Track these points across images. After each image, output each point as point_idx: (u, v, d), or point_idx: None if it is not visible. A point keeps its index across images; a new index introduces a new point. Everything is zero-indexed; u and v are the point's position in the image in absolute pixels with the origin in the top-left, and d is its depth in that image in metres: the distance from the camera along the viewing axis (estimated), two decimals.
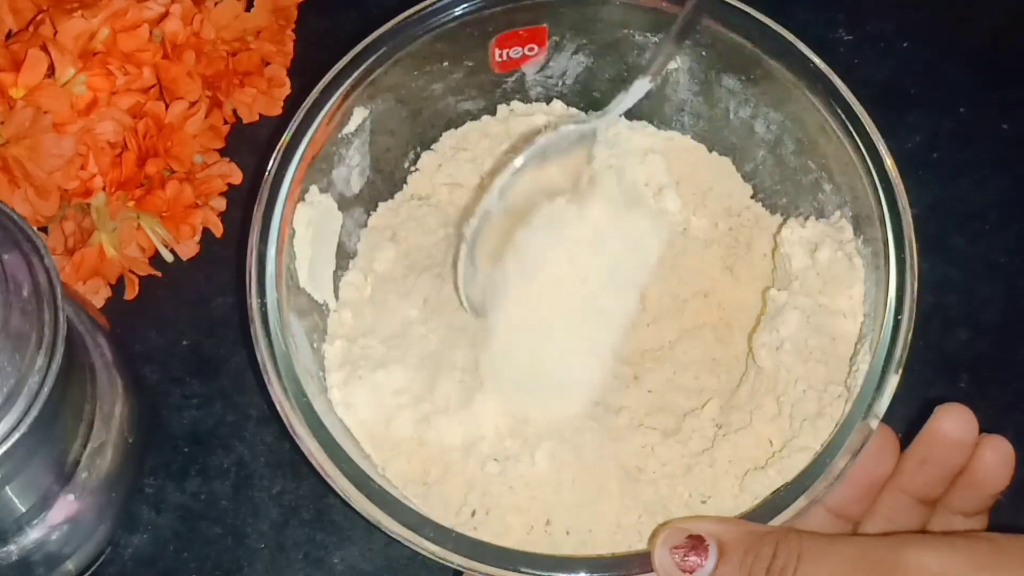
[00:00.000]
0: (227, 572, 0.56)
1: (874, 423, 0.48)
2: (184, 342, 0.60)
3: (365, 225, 0.59)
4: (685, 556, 0.45)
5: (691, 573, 0.45)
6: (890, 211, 0.52)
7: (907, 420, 0.57)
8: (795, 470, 0.49)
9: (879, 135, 0.53)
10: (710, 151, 0.60)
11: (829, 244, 0.54)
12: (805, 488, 0.47)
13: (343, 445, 0.49)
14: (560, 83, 0.60)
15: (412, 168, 0.60)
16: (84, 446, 0.51)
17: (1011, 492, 0.56)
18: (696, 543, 0.45)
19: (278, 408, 0.49)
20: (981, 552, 0.42)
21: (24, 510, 0.50)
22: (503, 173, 0.52)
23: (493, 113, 0.61)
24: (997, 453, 0.48)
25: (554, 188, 0.53)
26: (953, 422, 0.48)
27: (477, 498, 0.52)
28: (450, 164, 0.60)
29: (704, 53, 0.57)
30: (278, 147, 0.53)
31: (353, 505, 0.48)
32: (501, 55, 0.58)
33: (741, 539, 0.45)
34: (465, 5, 0.55)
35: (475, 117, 0.61)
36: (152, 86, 0.60)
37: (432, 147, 0.60)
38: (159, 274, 0.60)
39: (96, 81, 0.58)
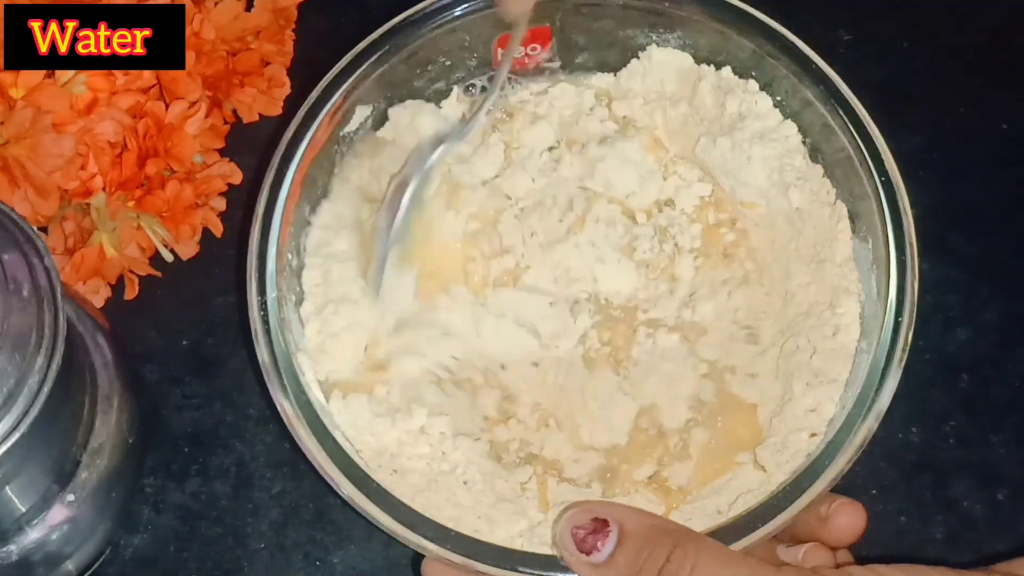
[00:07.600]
0: (227, 572, 0.56)
1: (874, 423, 0.48)
2: (184, 342, 0.60)
3: None
4: (585, 537, 0.44)
5: (587, 555, 0.44)
6: (891, 212, 0.51)
7: (907, 420, 0.57)
8: (794, 471, 0.49)
9: (880, 135, 0.53)
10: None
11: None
12: (804, 489, 0.47)
13: (343, 444, 0.49)
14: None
15: None
16: (84, 446, 0.51)
17: (1010, 492, 0.56)
18: (599, 527, 0.44)
19: (278, 408, 0.49)
20: None
21: (24, 510, 0.50)
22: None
23: None
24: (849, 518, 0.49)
25: None
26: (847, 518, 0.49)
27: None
28: None
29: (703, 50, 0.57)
30: (279, 146, 0.53)
31: (353, 505, 0.48)
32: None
33: (642, 532, 0.44)
34: (466, 5, 0.55)
35: None
36: (152, 86, 0.60)
37: None
38: (159, 274, 0.60)
39: (96, 81, 0.58)
